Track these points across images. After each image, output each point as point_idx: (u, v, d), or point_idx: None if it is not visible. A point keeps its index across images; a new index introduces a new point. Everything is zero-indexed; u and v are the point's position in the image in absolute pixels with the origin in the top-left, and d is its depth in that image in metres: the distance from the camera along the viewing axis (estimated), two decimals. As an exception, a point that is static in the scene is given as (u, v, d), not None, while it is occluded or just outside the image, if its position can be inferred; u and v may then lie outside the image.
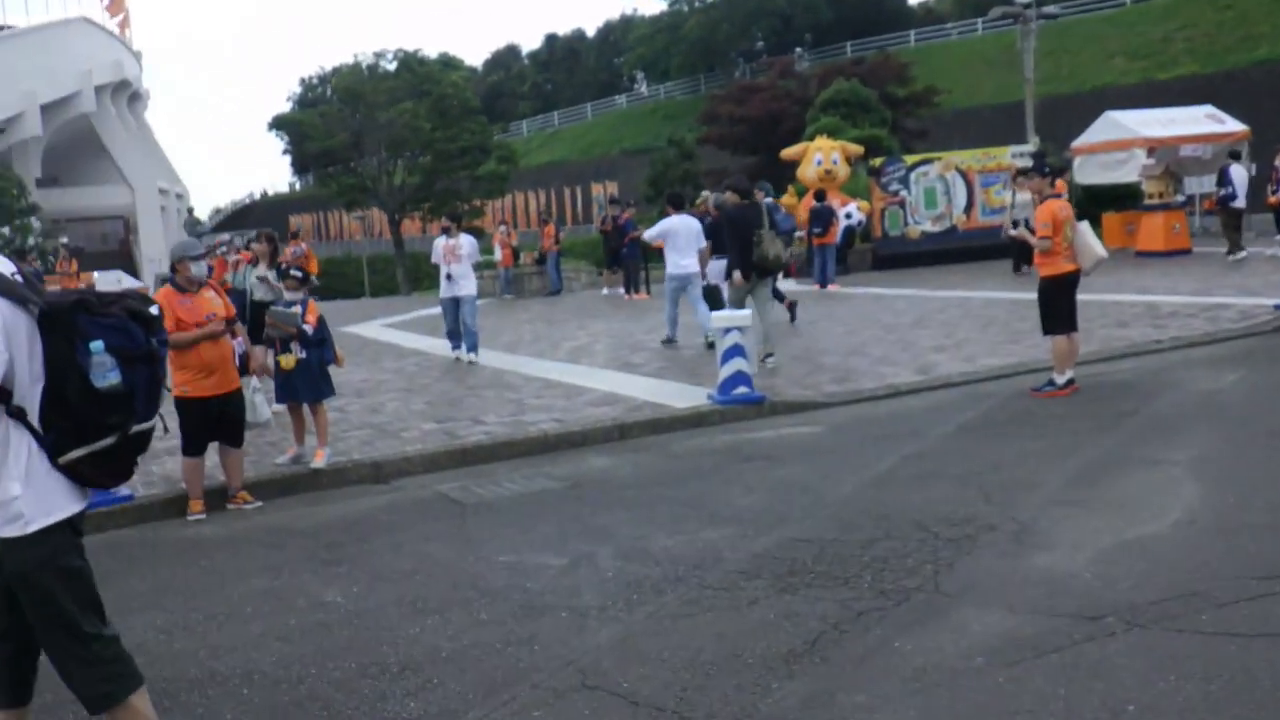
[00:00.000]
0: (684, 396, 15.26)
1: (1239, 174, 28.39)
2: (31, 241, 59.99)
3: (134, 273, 73.94)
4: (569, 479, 11.83)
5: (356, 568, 9.18)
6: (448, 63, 79.51)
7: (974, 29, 78.39)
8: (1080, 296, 14.75)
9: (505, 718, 6.22)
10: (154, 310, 5.05)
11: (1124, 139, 32.62)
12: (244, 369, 12.04)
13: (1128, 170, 32.26)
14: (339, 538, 10.19)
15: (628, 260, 32.29)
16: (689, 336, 20.40)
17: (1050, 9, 39.88)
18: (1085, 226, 14.73)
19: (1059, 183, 27.67)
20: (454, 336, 20.34)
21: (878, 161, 35.19)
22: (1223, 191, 28.45)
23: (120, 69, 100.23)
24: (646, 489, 11.16)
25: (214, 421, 11.41)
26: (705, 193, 26.00)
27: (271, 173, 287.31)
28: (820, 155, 35.77)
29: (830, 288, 28.96)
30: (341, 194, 65.86)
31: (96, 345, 4.77)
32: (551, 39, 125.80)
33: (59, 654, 5.10)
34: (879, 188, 33.62)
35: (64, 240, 58.66)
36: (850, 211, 33.98)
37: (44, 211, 70.78)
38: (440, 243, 20.15)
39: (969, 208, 33.57)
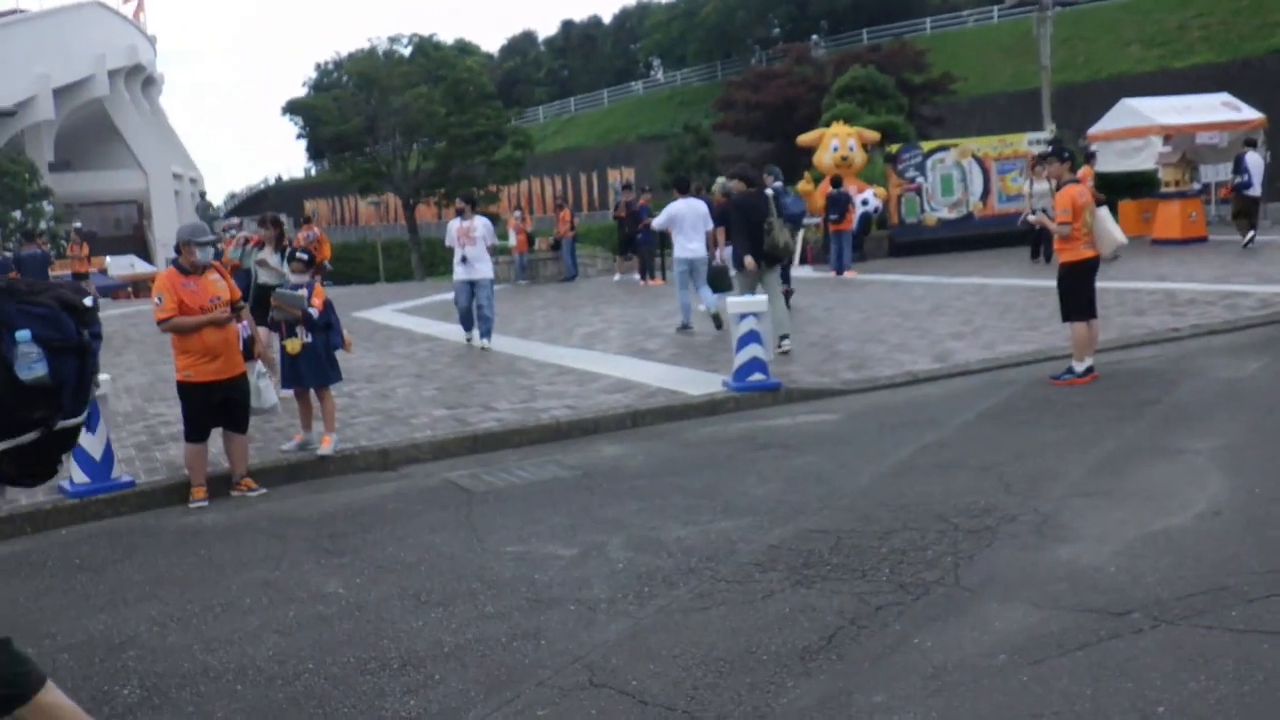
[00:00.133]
0: (698, 383, 15.03)
1: (1255, 161, 28.32)
2: (43, 225, 59.96)
3: (147, 257, 74.14)
4: (580, 467, 11.60)
5: (359, 558, 8.96)
6: (464, 48, 79.48)
7: (990, 17, 78.08)
8: (1098, 284, 14.52)
9: (508, 717, 5.99)
10: (87, 301, 4.81)
11: (1140, 126, 32.44)
12: (249, 353, 11.80)
13: (1144, 158, 32.11)
14: (343, 527, 9.97)
15: (642, 246, 32.08)
16: (703, 323, 20.20)
17: (1068, -5, 39.60)
18: (1104, 212, 14.58)
19: (1085, 169, 27.59)
20: (467, 321, 20.03)
21: (894, 148, 34.96)
22: (1239, 179, 28.39)
23: (134, 53, 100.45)
24: (659, 478, 10.93)
25: (217, 407, 11.21)
26: (721, 179, 25.77)
27: (287, 158, 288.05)
28: (836, 141, 35.66)
29: (846, 274, 28.78)
30: (355, 179, 65.56)
31: (23, 334, 4.53)
32: (568, 25, 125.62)
33: None
34: (895, 174, 33.36)
35: (76, 224, 58.63)
36: (867, 198, 33.79)
37: (57, 195, 70.85)
38: (455, 225, 19.85)
39: (985, 195, 33.31)
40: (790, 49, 71.38)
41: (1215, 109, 33.62)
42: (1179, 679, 5.76)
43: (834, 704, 5.84)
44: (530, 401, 14.57)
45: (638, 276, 32.37)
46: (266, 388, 12.03)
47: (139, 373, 19.47)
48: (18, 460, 4.67)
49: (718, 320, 19.60)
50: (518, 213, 39.27)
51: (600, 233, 50.63)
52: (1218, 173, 33.81)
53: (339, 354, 12.72)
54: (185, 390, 11.18)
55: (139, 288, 57.76)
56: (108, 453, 11.26)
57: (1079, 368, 14.00)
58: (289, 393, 12.89)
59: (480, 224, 19.80)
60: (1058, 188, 14.61)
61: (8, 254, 27.17)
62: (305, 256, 12.84)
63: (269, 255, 16.91)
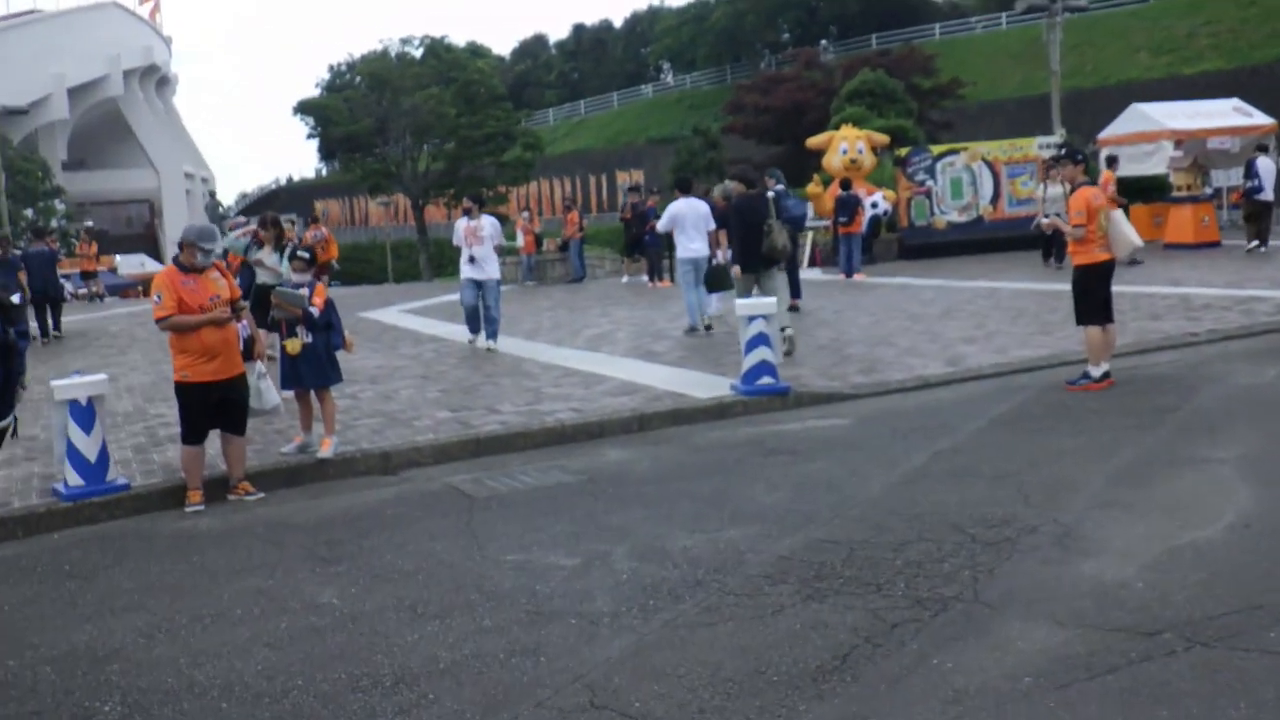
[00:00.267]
0: (706, 386, 14.76)
1: (1266, 167, 28.34)
2: (55, 223, 59.90)
3: (158, 256, 74.07)
4: (585, 472, 11.34)
5: (356, 566, 8.68)
6: (475, 51, 79.32)
7: (998, 23, 78.04)
8: (1113, 288, 14.25)
9: (504, 740, 5.71)
10: (15, 299, 4.53)
11: (1151, 131, 32.42)
12: (248, 353, 11.52)
13: (1155, 162, 32.09)
14: (340, 533, 9.69)
15: (650, 248, 31.86)
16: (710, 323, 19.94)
17: (1077, 1, 39.29)
18: (1119, 215, 14.39)
19: (1107, 174, 27.43)
20: (472, 322, 19.71)
21: (904, 151, 34.78)
22: (1250, 184, 28.39)
23: (149, 53, 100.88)
24: (665, 484, 10.65)
25: (215, 408, 10.96)
26: (728, 182, 25.62)
27: (299, 158, 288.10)
28: (846, 144, 35.43)
29: (856, 277, 28.51)
30: (365, 179, 65.52)
31: None
32: (579, 29, 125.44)
33: None
34: (905, 177, 33.13)
35: (88, 223, 58.65)
36: (876, 201, 33.56)
37: (69, 194, 70.91)
38: (462, 224, 19.57)
39: (995, 198, 33.06)
40: (799, 53, 71.14)
41: (1227, 114, 33.55)
42: (1217, 706, 5.46)
43: (849, 728, 5.55)
44: (535, 404, 14.30)
45: (646, 278, 32.15)
46: (268, 388, 11.78)
47: (142, 372, 19.27)
48: None
49: (708, 326, 19.68)
50: (526, 214, 39.06)
51: (609, 234, 50.44)
52: (1229, 177, 33.82)
53: (340, 355, 12.44)
54: (183, 390, 10.93)
55: (149, 287, 57.70)
56: (103, 454, 11.01)
57: (1095, 372, 13.75)
58: (290, 393, 12.61)
59: (488, 224, 19.52)
60: (1072, 190, 14.35)
61: (17, 252, 26.93)
62: (306, 255, 12.57)
63: (266, 255, 16.64)
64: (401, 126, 62.34)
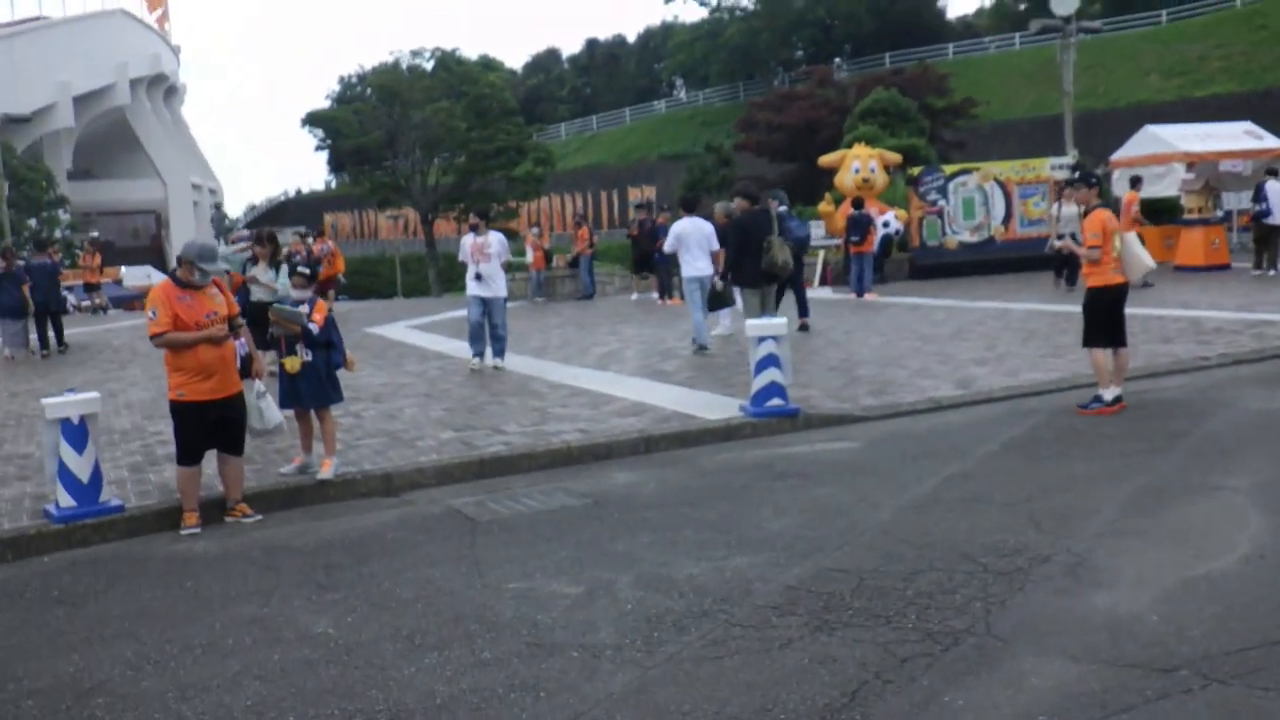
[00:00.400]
0: (715, 407, 14.59)
1: (1275, 190, 28.29)
2: (59, 234, 59.73)
3: (164, 268, 73.93)
4: (590, 495, 11.15)
5: (353, 594, 8.48)
6: (487, 64, 79.19)
7: (1011, 44, 78.19)
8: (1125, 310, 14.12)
9: (501, 780, 5.52)
10: None
11: (1163, 153, 32.53)
12: (246, 371, 11.33)
13: (1166, 184, 32.11)
14: (339, 558, 9.50)
15: (659, 266, 31.75)
16: (721, 342, 19.90)
17: (1091, 23, 39.29)
18: (1132, 238, 14.30)
19: (1131, 194, 27.34)
20: (476, 341, 19.41)
21: (916, 170, 34.69)
22: (1258, 207, 28.35)
23: (158, 62, 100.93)
24: (671, 508, 10.46)
25: (212, 427, 10.76)
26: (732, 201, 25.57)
27: (309, 171, 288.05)
28: (858, 163, 35.43)
29: (867, 297, 28.35)
30: (374, 192, 65.41)
31: None
32: (592, 44, 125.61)
33: None
34: (917, 197, 33.02)
35: (94, 234, 58.49)
36: (888, 220, 33.46)
37: (74, 204, 70.73)
38: (468, 240, 19.33)
39: (1007, 219, 33.01)
40: (813, 71, 71.15)
41: (1238, 137, 33.61)
42: (1237, 750, 5.27)
43: (856, 771, 5.37)
44: (541, 424, 14.12)
45: (656, 295, 32.02)
46: (268, 406, 11.59)
47: (142, 388, 19.09)
48: None
49: (702, 346, 19.65)
50: (536, 229, 38.94)
51: (619, 251, 50.42)
52: (1240, 200, 33.79)
53: (343, 373, 12.24)
54: (178, 410, 10.74)
55: (154, 299, 57.54)
56: (96, 475, 10.77)
57: (1107, 396, 13.60)
58: (290, 412, 12.42)
59: (495, 240, 19.26)
60: (1086, 213, 14.18)
61: (20, 263, 26.87)
62: (307, 271, 12.38)
63: (261, 271, 16.46)
64: (411, 140, 62.20)
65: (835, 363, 17.87)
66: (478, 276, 18.97)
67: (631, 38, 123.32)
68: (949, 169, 34.48)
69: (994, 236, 32.97)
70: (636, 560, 8.84)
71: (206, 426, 10.71)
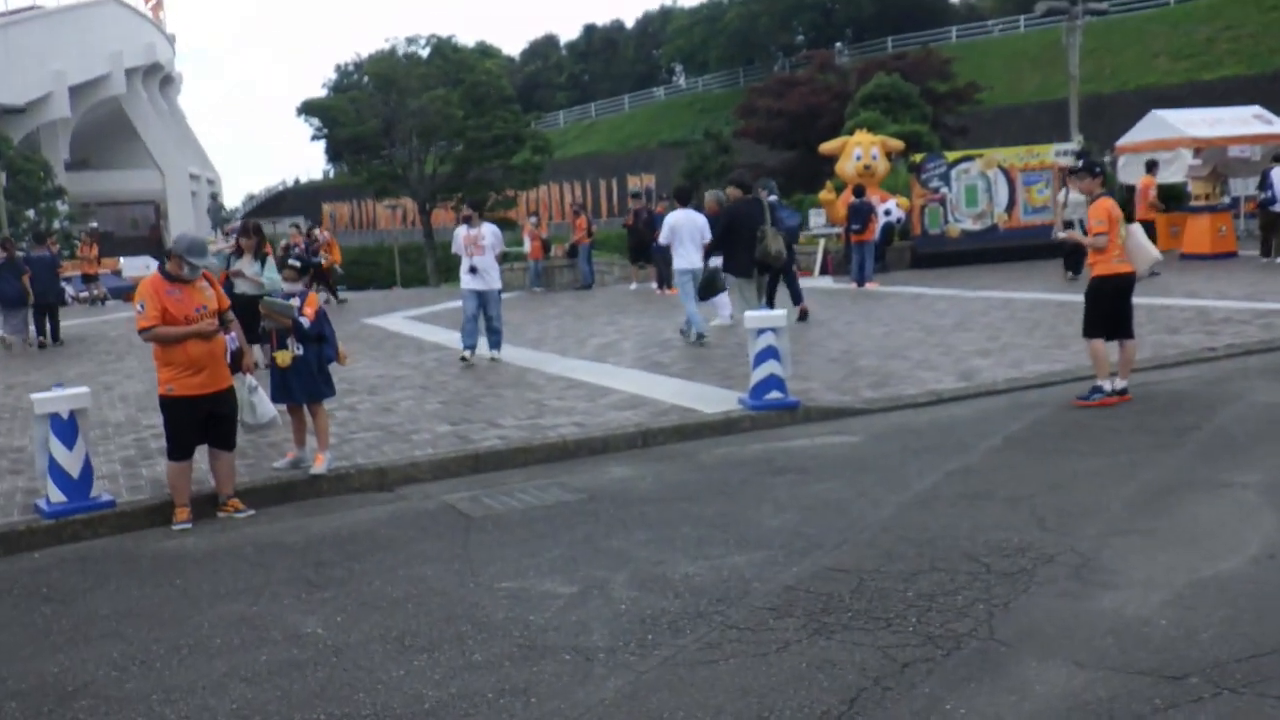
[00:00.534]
0: (713, 400, 14.43)
1: (1281, 177, 27.86)
2: (57, 225, 59.57)
3: (163, 259, 73.91)
4: (586, 490, 10.99)
5: (344, 592, 8.33)
6: (484, 51, 79.05)
7: (1016, 26, 77.83)
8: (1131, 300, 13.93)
9: (489, 791, 5.36)
10: None
11: (1170, 138, 32.17)
12: (236, 366, 11.18)
13: (1174, 170, 31.68)
14: (330, 555, 9.35)
15: (657, 255, 31.56)
16: (720, 333, 19.72)
17: (1098, 4, 39.00)
18: (1137, 228, 14.05)
19: (1147, 179, 27.14)
20: (470, 330, 19.21)
21: (918, 157, 34.47)
22: (1264, 195, 28.10)
23: (153, 51, 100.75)
24: (668, 504, 10.30)
25: (203, 422, 10.64)
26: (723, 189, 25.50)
27: (307, 160, 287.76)
28: (860, 150, 35.17)
29: (868, 286, 28.17)
30: (372, 181, 65.17)
31: None
32: (590, 30, 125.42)
33: None
34: (919, 184, 32.80)
35: (93, 224, 58.33)
36: (889, 208, 33.25)
37: (73, 195, 70.56)
38: (461, 232, 19.12)
39: (1011, 206, 32.76)
40: (814, 56, 70.74)
41: (1247, 121, 33.23)
42: (1249, 763, 5.10)
43: (856, 783, 5.21)
44: (538, 418, 13.97)
45: (654, 285, 31.86)
46: (261, 401, 11.43)
47: (138, 380, 18.97)
48: None
49: (695, 333, 19.48)
50: (534, 218, 38.77)
51: (618, 240, 50.18)
52: (1248, 186, 33.44)
53: (336, 366, 12.08)
54: (168, 405, 10.63)
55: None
56: (86, 470, 10.65)
57: (1108, 387, 13.39)
58: (284, 406, 12.26)
59: (489, 231, 19.04)
60: (1090, 202, 14.00)
61: (20, 253, 26.84)
62: (298, 264, 12.23)
63: (246, 264, 16.28)
64: (408, 128, 61.92)
65: (835, 354, 17.70)
66: (472, 269, 18.77)
67: (630, 23, 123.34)
68: (952, 155, 34.25)
69: (997, 224, 32.74)
70: (632, 558, 8.69)
71: (197, 422, 10.59)
